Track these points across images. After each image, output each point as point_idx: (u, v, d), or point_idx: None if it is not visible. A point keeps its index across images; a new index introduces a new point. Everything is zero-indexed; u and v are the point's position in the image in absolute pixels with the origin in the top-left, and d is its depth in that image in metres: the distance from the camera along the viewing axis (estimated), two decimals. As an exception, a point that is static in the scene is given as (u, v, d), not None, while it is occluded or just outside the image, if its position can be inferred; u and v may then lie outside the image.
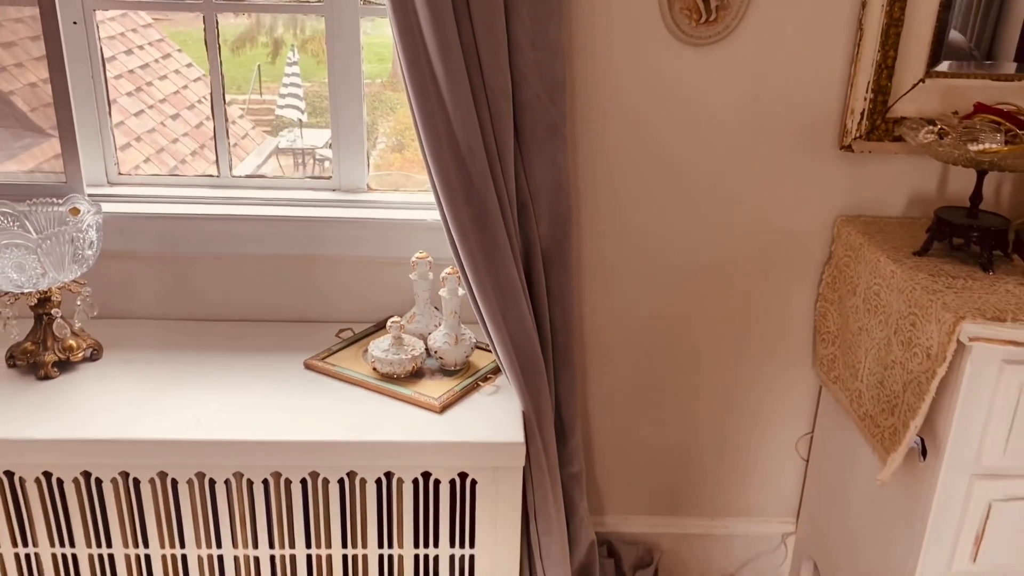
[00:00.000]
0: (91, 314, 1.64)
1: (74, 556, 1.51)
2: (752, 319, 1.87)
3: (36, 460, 1.43)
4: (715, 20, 1.61)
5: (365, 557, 1.53)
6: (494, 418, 1.51)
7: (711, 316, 1.86)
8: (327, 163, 5.12)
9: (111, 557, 1.52)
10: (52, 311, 1.59)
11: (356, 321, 1.83)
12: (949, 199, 1.77)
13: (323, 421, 1.48)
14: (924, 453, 1.45)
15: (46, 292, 1.57)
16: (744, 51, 1.65)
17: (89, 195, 1.75)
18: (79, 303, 1.62)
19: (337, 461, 1.44)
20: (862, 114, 1.68)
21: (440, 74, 1.43)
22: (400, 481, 1.47)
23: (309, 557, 1.52)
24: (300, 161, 5.57)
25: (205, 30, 1.73)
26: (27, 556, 1.51)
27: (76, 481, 1.45)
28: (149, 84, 4.59)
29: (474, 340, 1.66)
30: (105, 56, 1.76)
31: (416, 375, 1.62)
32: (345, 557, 1.53)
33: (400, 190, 1.86)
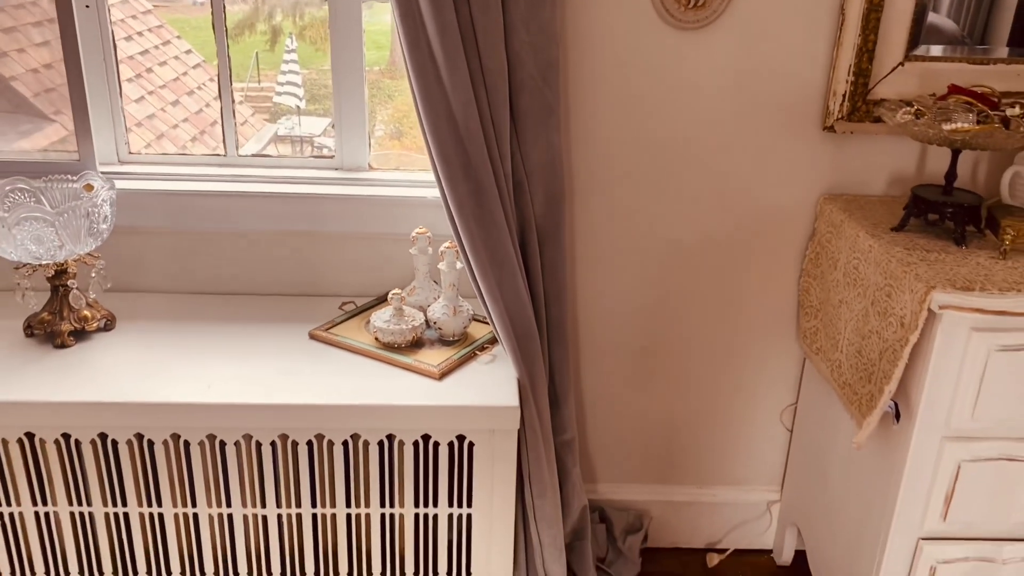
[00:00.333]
0: (105, 286, 1.71)
1: (90, 514, 1.59)
2: (739, 294, 1.94)
3: (55, 422, 1.50)
4: (703, 5, 1.68)
5: (368, 516, 1.61)
6: (490, 384, 1.59)
7: (699, 291, 1.94)
8: (325, 151, 5.18)
9: (126, 516, 1.59)
10: (68, 282, 1.66)
11: (358, 295, 1.90)
12: (927, 178, 1.84)
13: (328, 387, 1.55)
14: (898, 416, 1.52)
15: (63, 264, 1.64)
16: (731, 35, 1.72)
17: (101, 173, 1.82)
18: (93, 275, 1.69)
19: (341, 424, 1.52)
20: (844, 96, 1.75)
21: (439, 56, 1.50)
22: (401, 443, 1.55)
23: (315, 516, 1.60)
24: (299, 149, 5.63)
25: (212, 12, 1.80)
26: (46, 515, 1.59)
27: (93, 442, 1.53)
28: (149, 71, 4.64)
29: (471, 312, 1.74)
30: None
31: (416, 345, 1.69)
32: (349, 516, 1.61)
33: (400, 169, 1.93)
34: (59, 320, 1.67)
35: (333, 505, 1.59)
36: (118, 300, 1.81)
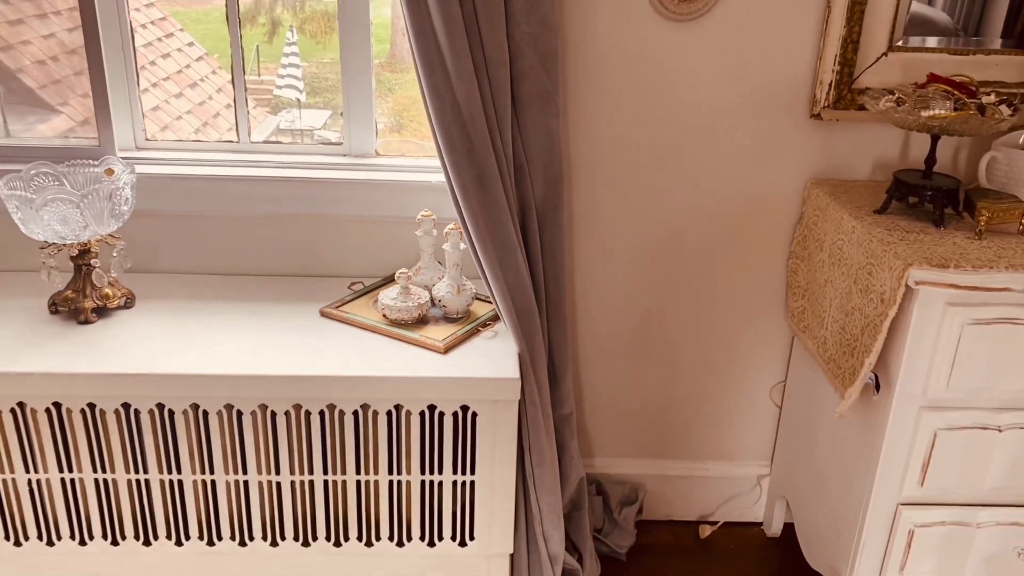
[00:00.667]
0: (125, 266, 1.80)
1: (113, 481, 1.68)
2: (730, 275, 2.03)
3: (80, 392, 1.59)
4: (695, -2, 1.76)
5: (376, 483, 1.69)
6: (492, 358, 1.67)
7: (693, 272, 2.02)
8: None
9: (147, 482, 1.68)
10: (91, 262, 1.74)
11: (366, 275, 1.99)
12: (910, 164, 1.92)
13: (339, 359, 1.64)
14: (877, 387, 1.61)
15: (86, 244, 1.72)
16: (722, 26, 1.80)
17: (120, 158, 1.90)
18: (115, 255, 1.77)
19: (352, 394, 1.60)
20: (830, 85, 1.83)
21: (444, 45, 1.58)
22: (408, 413, 1.63)
23: (326, 482, 1.69)
24: (299, 142, 5.69)
25: (227, 4, 1.88)
26: (71, 481, 1.68)
27: (116, 412, 1.61)
28: (152, 63, 4.71)
29: (474, 291, 1.82)
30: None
31: (422, 321, 1.78)
32: (359, 482, 1.69)
33: (405, 156, 2.01)
34: (82, 298, 1.75)
35: (344, 472, 1.68)
36: (135, 280, 1.89)
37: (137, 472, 1.67)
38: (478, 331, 1.78)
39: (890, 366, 1.58)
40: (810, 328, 1.89)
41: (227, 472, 1.67)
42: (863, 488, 1.68)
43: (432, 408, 1.63)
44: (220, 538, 1.73)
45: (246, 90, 1.95)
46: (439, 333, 1.73)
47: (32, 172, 1.76)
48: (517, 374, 1.63)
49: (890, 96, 1.70)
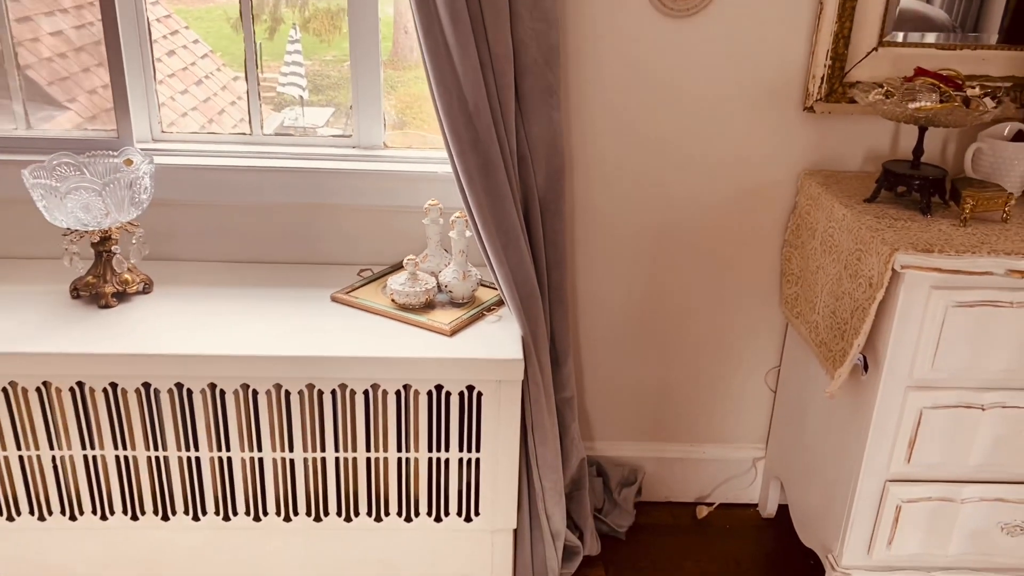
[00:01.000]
0: (144, 253, 1.87)
1: (134, 458, 1.75)
2: (726, 263, 2.10)
3: (103, 372, 1.66)
4: (692, -6, 1.83)
5: (386, 459, 1.76)
6: (497, 340, 1.74)
7: (690, 261, 2.09)
8: (332, 139, 5.27)
9: (165, 459, 1.75)
10: (112, 248, 1.81)
11: (374, 263, 2.06)
12: (900, 155, 1.99)
13: (350, 341, 1.71)
14: (866, 368, 1.68)
15: (107, 231, 1.79)
16: (718, 22, 1.87)
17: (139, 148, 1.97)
18: (134, 242, 1.85)
19: (362, 374, 1.68)
20: (822, 79, 1.90)
21: (451, 40, 1.65)
22: (416, 393, 1.71)
23: (337, 460, 1.76)
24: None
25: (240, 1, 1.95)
26: (92, 458, 1.75)
27: (137, 391, 1.68)
28: (158, 60, 4.78)
29: (479, 277, 1.89)
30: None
31: (429, 306, 1.85)
32: (369, 459, 1.76)
33: (413, 148, 2.08)
34: (103, 283, 1.82)
35: (354, 449, 1.75)
36: (153, 267, 1.96)
37: (156, 449, 1.74)
38: (483, 315, 1.85)
39: (878, 347, 1.65)
40: (803, 314, 1.96)
41: (243, 449, 1.74)
42: (852, 466, 1.75)
43: (439, 388, 1.70)
44: (236, 513, 1.80)
45: (259, 84, 2.02)
46: (445, 317, 1.80)
47: (54, 162, 1.83)
48: (521, 355, 1.70)
49: (879, 89, 1.77)
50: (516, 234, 1.77)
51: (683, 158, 1.99)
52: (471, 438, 1.75)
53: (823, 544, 1.90)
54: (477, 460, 1.77)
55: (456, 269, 1.86)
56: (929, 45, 1.91)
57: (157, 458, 1.75)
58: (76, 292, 1.84)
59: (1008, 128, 1.86)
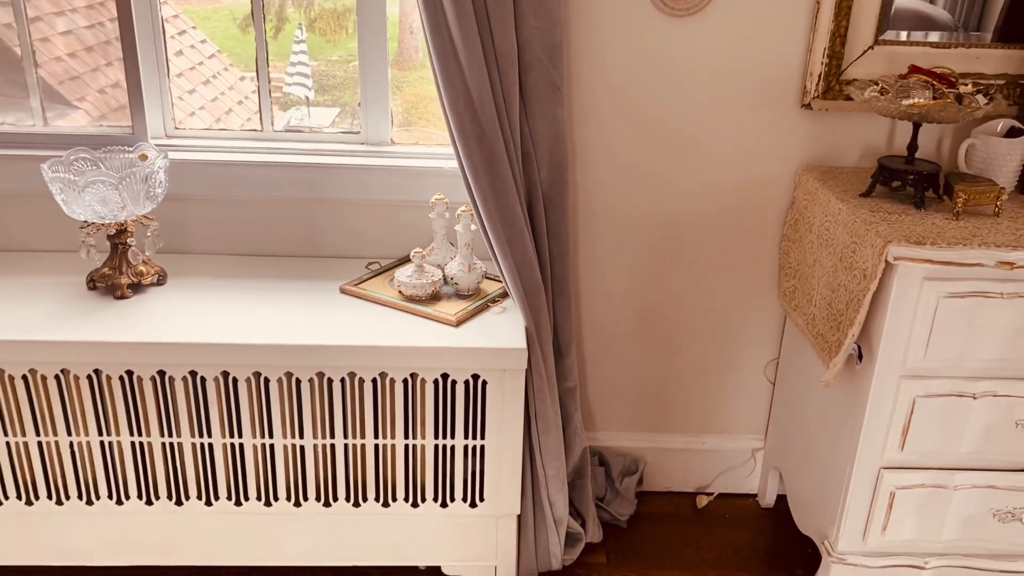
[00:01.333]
0: (158, 246, 1.92)
1: (148, 444, 1.80)
2: (726, 257, 2.14)
3: (119, 360, 1.71)
4: (692, -6, 1.87)
5: (393, 446, 1.81)
6: (501, 331, 1.79)
7: (690, 255, 2.14)
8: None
9: (179, 445, 1.80)
10: (127, 241, 1.87)
11: (382, 256, 2.11)
12: (895, 151, 2.04)
13: (358, 331, 1.76)
14: (860, 358, 1.73)
15: (123, 224, 1.85)
16: (717, 21, 1.91)
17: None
18: (148, 235, 1.90)
19: (371, 363, 1.73)
20: (819, 77, 1.95)
21: (457, 39, 1.70)
22: (423, 381, 1.76)
23: (346, 446, 1.81)
24: (309, 140, 5.77)
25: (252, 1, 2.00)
26: (109, 444, 1.80)
27: (152, 379, 1.73)
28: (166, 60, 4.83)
29: (484, 270, 1.94)
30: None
31: (435, 298, 1.90)
32: (376, 446, 1.81)
33: (420, 144, 2.13)
34: (118, 274, 1.87)
35: (363, 436, 1.80)
36: (167, 259, 2.02)
37: (170, 436, 1.79)
38: (488, 307, 1.89)
39: (872, 337, 1.69)
40: (800, 306, 2.01)
41: (254, 436, 1.79)
42: (848, 453, 1.80)
43: (445, 376, 1.75)
44: (247, 498, 1.85)
45: (270, 82, 2.07)
46: (451, 308, 1.85)
47: (72, 157, 1.88)
48: (525, 345, 1.75)
49: (875, 87, 1.81)
50: (520, 227, 1.82)
51: (684, 154, 2.03)
52: (476, 426, 1.80)
53: (819, 531, 1.94)
54: (482, 447, 1.82)
55: (462, 262, 1.91)
56: (925, 43, 1.95)
57: (171, 444, 1.80)
58: (92, 283, 1.89)
59: (1001, 124, 1.91)
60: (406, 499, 1.87)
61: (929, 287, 1.62)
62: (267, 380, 1.74)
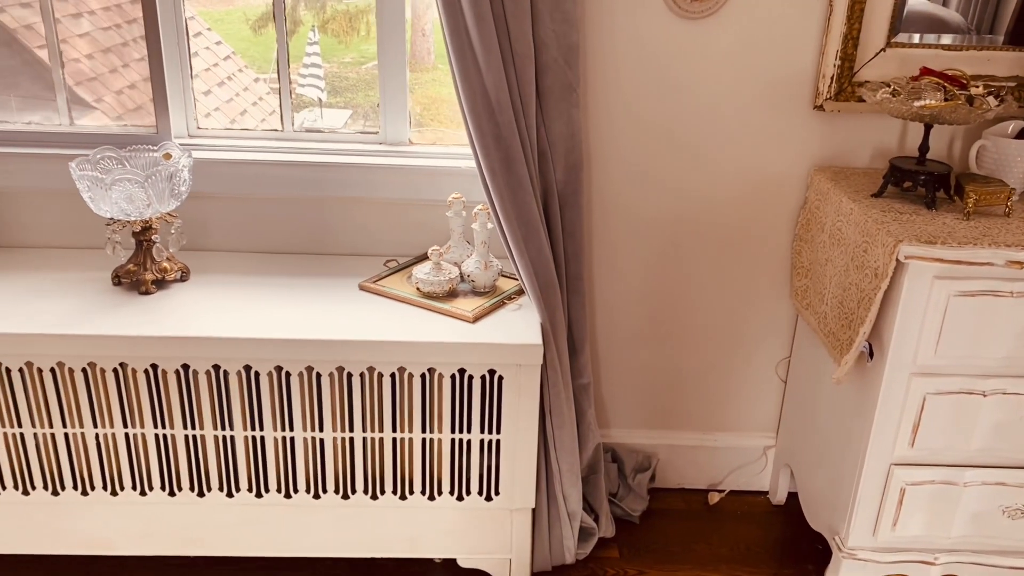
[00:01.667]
0: (181, 243, 1.96)
1: (172, 436, 1.84)
2: (738, 257, 2.17)
3: (144, 354, 1.75)
4: (706, -3, 1.90)
5: (411, 440, 1.85)
6: (517, 327, 1.83)
7: (703, 255, 2.17)
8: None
9: (202, 438, 1.84)
10: (152, 238, 1.91)
11: (400, 254, 2.15)
12: (907, 152, 2.06)
13: (378, 327, 1.79)
14: (871, 355, 1.75)
15: (148, 221, 1.89)
16: (731, 24, 1.94)
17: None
18: (172, 232, 1.94)
19: (389, 358, 1.76)
20: (832, 78, 1.97)
21: (476, 41, 1.73)
22: (440, 376, 1.79)
23: (365, 439, 1.84)
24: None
25: (274, 3, 2.04)
26: (133, 436, 1.84)
27: (176, 372, 1.77)
28: (182, 61, 4.88)
29: (500, 267, 1.98)
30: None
31: (452, 295, 1.93)
32: (394, 440, 1.85)
33: (437, 144, 2.17)
34: (143, 271, 1.92)
35: (381, 430, 1.83)
36: (190, 256, 2.06)
37: (193, 428, 1.83)
38: (504, 303, 1.93)
39: (883, 335, 1.72)
40: (812, 305, 2.03)
41: (275, 429, 1.83)
42: (859, 450, 1.82)
43: (462, 371, 1.79)
44: (267, 490, 1.89)
45: (291, 82, 2.11)
46: (468, 305, 1.89)
47: (98, 156, 1.93)
48: (540, 341, 1.78)
49: (886, 88, 1.84)
50: (536, 226, 1.85)
51: (697, 154, 2.06)
52: (492, 420, 1.83)
53: (830, 527, 1.97)
54: (498, 441, 1.85)
55: (478, 259, 1.94)
56: (936, 46, 1.97)
57: (194, 436, 1.84)
58: (117, 279, 1.94)
59: (1012, 126, 1.93)
60: (423, 492, 1.90)
61: (940, 286, 1.64)
62: (288, 374, 1.78)
